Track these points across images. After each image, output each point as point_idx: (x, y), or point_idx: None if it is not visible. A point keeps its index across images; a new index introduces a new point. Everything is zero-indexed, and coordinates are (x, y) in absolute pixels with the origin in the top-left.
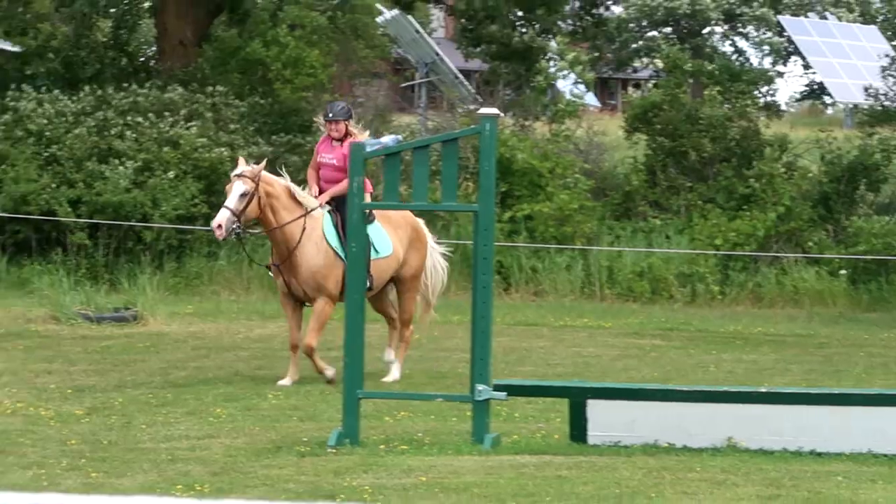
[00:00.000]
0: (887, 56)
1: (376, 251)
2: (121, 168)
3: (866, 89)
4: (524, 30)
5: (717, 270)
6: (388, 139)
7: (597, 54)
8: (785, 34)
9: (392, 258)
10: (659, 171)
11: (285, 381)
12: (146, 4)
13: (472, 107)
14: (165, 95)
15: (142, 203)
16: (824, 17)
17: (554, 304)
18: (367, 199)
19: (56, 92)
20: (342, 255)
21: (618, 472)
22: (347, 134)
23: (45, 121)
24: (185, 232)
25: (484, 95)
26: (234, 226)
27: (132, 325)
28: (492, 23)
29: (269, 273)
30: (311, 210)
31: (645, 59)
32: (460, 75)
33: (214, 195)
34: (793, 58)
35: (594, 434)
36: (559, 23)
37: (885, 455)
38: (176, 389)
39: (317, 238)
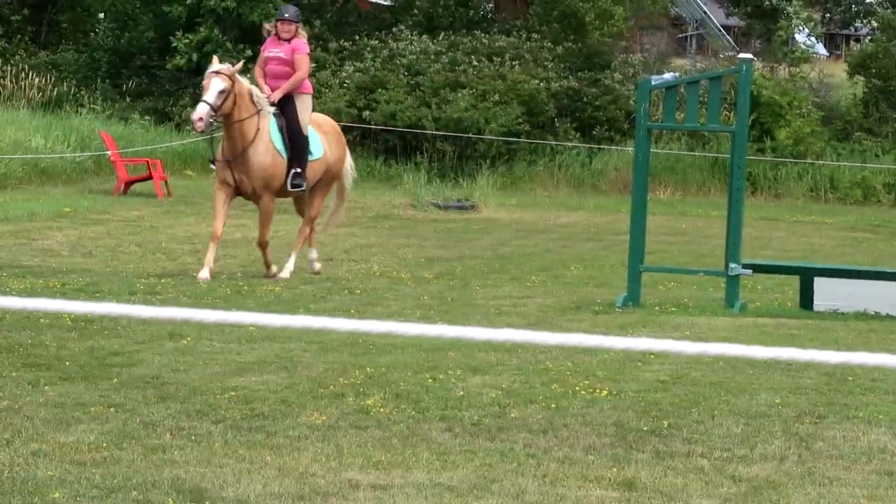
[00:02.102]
0: None
1: (310, 153)
2: (462, 93)
3: None
4: None
5: None
6: (668, 76)
7: (827, 15)
8: None
9: (322, 160)
10: (872, 106)
11: (204, 274)
12: None
13: (730, 53)
14: (496, 44)
15: (477, 120)
16: None
17: (789, 204)
18: (308, 98)
19: (424, 36)
20: (285, 156)
21: (836, 332)
22: (295, 36)
23: (413, 56)
24: (511, 143)
25: (740, 45)
26: (212, 118)
27: (470, 212)
28: None
29: (212, 167)
30: (262, 109)
31: (864, 20)
32: (722, 29)
33: (533, 116)
34: None
35: (819, 303)
36: None
37: None
38: (502, 261)
39: (266, 139)
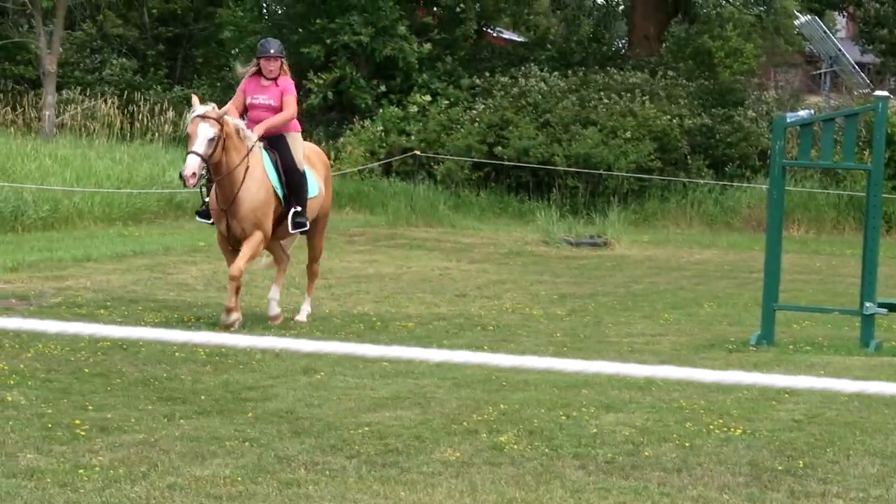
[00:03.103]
0: None
1: (308, 192)
2: (591, 129)
3: None
4: None
5: None
6: (803, 113)
7: None
8: None
9: (318, 197)
10: None
11: (229, 318)
12: (620, 8)
13: (865, 91)
14: (630, 80)
15: (607, 157)
16: None
17: None
18: (299, 136)
19: (555, 74)
20: (280, 193)
21: None
22: (280, 74)
23: (540, 96)
24: (643, 180)
25: (875, 82)
26: (203, 171)
27: (602, 249)
28: (882, 27)
29: (200, 219)
30: (252, 147)
31: None
32: (857, 67)
33: (665, 153)
34: None
35: None
36: None
37: None
38: (634, 298)
39: (259, 175)
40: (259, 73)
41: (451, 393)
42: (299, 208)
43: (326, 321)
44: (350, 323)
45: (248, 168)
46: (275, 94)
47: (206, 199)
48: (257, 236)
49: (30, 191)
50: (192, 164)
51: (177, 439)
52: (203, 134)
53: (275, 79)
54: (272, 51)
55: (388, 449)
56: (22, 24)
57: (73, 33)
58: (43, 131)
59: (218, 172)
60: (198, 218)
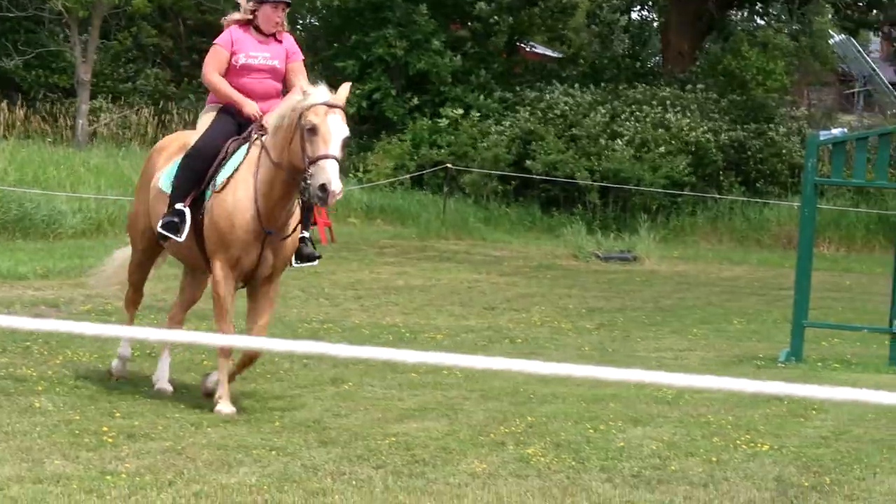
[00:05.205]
0: None
1: None
2: (619, 143)
3: None
4: None
5: None
6: (837, 131)
7: None
8: None
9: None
10: None
11: (226, 409)
12: (655, 24)
13: None
14: (660, 94)
15: (638, 172)
16: None
17: None
18: None
19: (576, 86)
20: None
21: None
22: (280, 29)
23: (567, 108)
24: (674, 195)
25: None
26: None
27: (631, 263)
28: None
29: (172, 237)
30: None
31: None
32: (890, 86)
33: (700, 168)
34: None
35: None
36: None
37: None
38: (663, 313)
39: None
40: (249, 24)
41: (479, 405)
42: (307, 234)
43: (355, 332)
44: (379, 334)
45: None
46: (278, 52)
47: (182, 206)
48: (277, 282)
49: (62, 199)
50: (338, 175)
51: (203, 447)
52: (338, 131)
53: (274, 34)
54: None
55: (415, 460)
56: (58, 34)
57: (108, 43)
58: (76, 140)
59: (293, 181)
60: (164, 231)
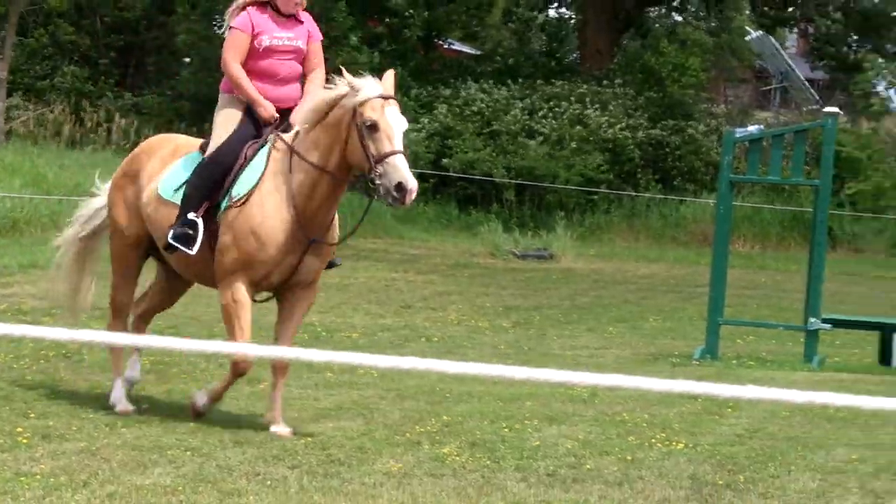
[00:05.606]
0: None
1: None
2: (537, 140)
3: None
4: (857, 49)
5: None
6: (753, 128)
7: None
8: None
9: None
10: None
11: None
12: (572, 22)
13: (814, 107)
14: (578, 91)
15: (554, 169)
16: None
17: (869, 259)
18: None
19: (491, 82)
20: None
21: None
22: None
23: (484, 105)
24: (590, 192)
25: (824, 99)
26: None
27: (548, 261)
28: (832, 45)
29: (185, 250)
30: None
31: None
32: (806, 83)
33: (617, 165)
34: None
35: None
36: (886, 45)
37: None
38: (579, 311)
39: None
40: (266, 4)
41: (395, 404)
42: None
43: (271, 330)
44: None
45: None
46: (301, 32)
47: (195, 217)
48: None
49: None
50: (413, 176)
51: (118, 448)
52: (399, 124)
53: (294, 14)
54: None
55: (330, 459)
56: None
57: (25, 40)
58: None
59: (343, 178)
60: (175, 243)
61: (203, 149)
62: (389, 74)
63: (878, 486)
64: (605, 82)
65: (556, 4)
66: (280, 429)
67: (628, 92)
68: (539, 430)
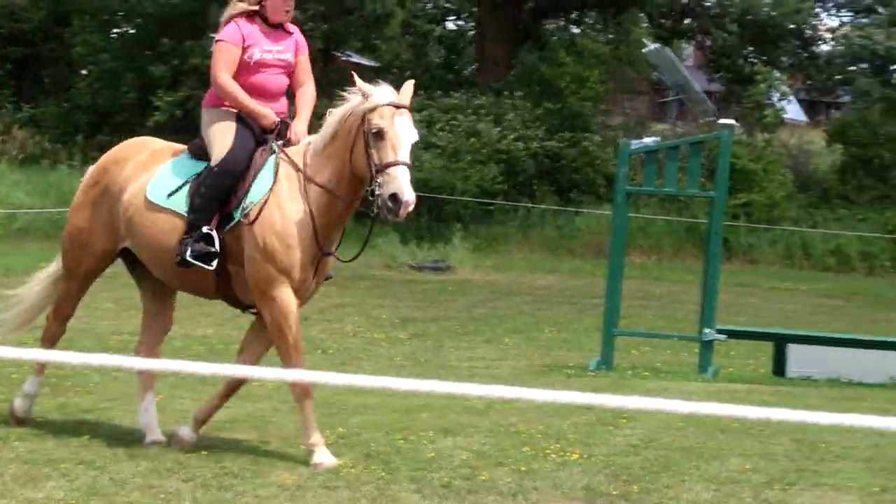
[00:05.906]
0: None
1: None
2: (428, 155)
3: None
4: (753, 61)
5: (890, 250)
6: (648, 140)
7: (809, 82)
8: None
9: None
10: (849, 173)
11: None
12: (470, 34)
13: (711, 119)
14: (475, 102)
15: (450, 181)
16: None
17: (763, 270)
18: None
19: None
20: None
21: (808, 399)
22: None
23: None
24: (486, 204)
25: (721, 110)
26: None
27: (445, 273)
28: (728, 57)
29: (203, 266)
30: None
31: (846, 88)
32: (704, 95)
33: (511, 176)
34: None
35: (792, 370)
36: (782, 58)
37: None
38: (476, 323)
39: None
40: (255, 15)
41: (289, 416)
42: None
43: (167, 343)
44: (190, 346)
45: None
46: (290, 46)
47: (210, 230)
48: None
49: None
50: (409, 183)
51: (11, 461)
52: (408, 135)
53: (281, 24)
54: None
55: (224, 472)
56: None
57: None
58: None
59: (357, 195)
60: (194, 261)
61: (192, 150)
62: (408, 84)
63: (772, 495)
64: (504, 93)
65: (453, 17)
66: (324, 457)
67: (526, 104)
68: (434, 442)
